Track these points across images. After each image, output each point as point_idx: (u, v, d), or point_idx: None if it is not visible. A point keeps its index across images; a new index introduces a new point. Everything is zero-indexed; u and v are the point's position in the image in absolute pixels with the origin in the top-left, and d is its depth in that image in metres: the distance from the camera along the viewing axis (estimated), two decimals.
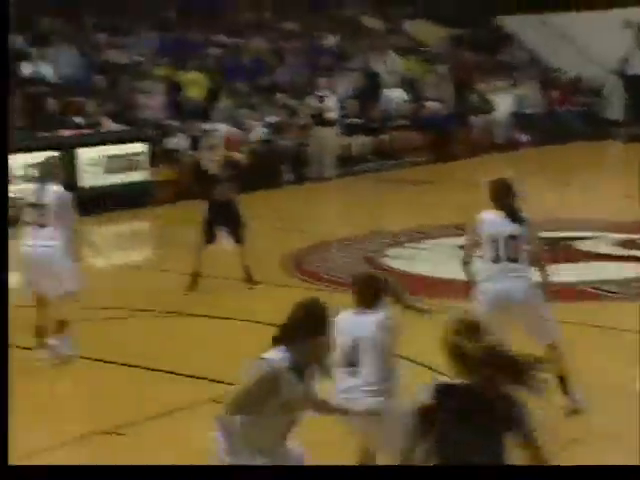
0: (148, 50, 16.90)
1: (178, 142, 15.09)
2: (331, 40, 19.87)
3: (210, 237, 9.16)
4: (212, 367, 6.63)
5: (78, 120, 14.29)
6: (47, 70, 14.97)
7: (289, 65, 18.33)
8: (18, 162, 12.77)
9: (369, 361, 4.23)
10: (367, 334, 4.25)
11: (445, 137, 18.17)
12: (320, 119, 16.03)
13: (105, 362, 7.02)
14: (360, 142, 17.43)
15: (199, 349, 7.21)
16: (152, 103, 15.43)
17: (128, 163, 14.11)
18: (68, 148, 13.34)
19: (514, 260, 5.82)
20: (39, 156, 12.86)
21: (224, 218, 9.12)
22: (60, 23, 15.99)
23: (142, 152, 14.26)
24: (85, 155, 13.60)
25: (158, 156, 14.77)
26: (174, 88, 16.20)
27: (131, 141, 14.22)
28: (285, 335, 3.72)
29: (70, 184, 13.49)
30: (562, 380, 5.72)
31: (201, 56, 17.15)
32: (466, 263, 5.91)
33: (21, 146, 13.08)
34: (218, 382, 6.16)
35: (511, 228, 5.78)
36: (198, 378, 6.53)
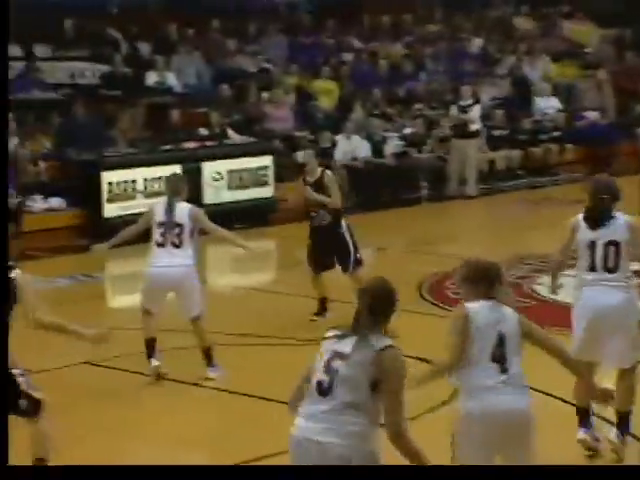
0: (277, 56, 17.24)
1: (306, 155, 15.27)
2: (476, 43, 19.74)
3: (317, 266, 9.02)
4: None
5: (202, 132, 14.71)
6: (172, 79, 15.49)
7: (429, 71, 18.31)
8: (140, 176, 13.28)
9: (515, 358, 4.55)
10: (512, 330, 4.57)
11: (605, 151, 17.70)
12: (462, 130, 15.91)
13: (230, 392, 7.19)
14: (507, 156, 17.19)
15: None
16: (280, 113, 15.71)
17: (253, 178, 14.41)
18: (191, 162, 13.78)
19: (612, 270, 5.72)
20: (161, 170, 13.46)
21: (327, 245, 8.95)
22: (186, 29, 16.51)
23: (268, 166, 14.52)
24: (209, 169, 13.96)
25: (285, 170, 15.02)
26: (304, 97, 16.45)
27: (257, 154, 14.49)
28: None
29: (194, 200, 13.99)
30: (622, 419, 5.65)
31: (333, 62, 17.35)
32: (554, 271, 5.96)
33: (143, 159, 13.59)
34: None
35: (608, 234, 5.71)
36: None
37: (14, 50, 14.81)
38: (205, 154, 14.04)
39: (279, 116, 15.66)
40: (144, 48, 16.04)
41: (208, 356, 7.51)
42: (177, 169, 13.46)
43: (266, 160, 14.49)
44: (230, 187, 14.16)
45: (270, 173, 14.51)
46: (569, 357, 4.80)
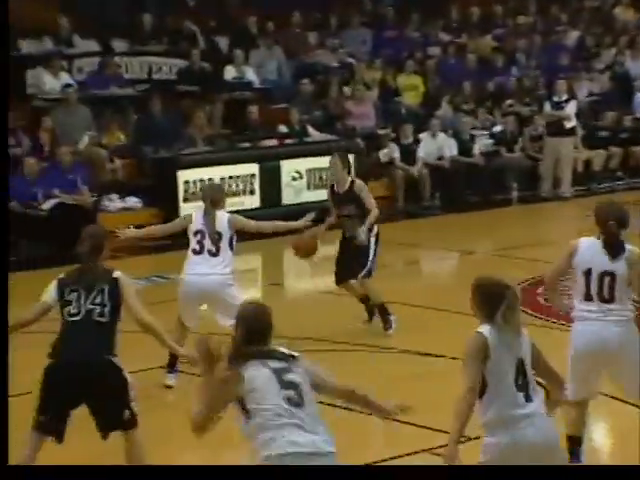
0: (360, 50, 17.35)
1: (389, 153, 15.37)
2: (572, 36, 19.57)
3: (338, 279, 8.98)
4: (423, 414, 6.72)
5: (282, 129, 14.89)
6: (251, 74, 15.72)
7: (520, 66, 18.22)
8: (217, 174, 13.51)
9: (534, 384, 4.56)
10: (527, 354, 4.56)
11: None
12: (556, 128, 15.81)
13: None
14: (605, 156, 17.01)
15: (401, 388, 7.31)
16: (362, 110, 15.81)
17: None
18: (270, 160, 13.98)
19: (609, 301, 5.62)
20: (239, 169, 13.68)
21: (350, 254, 8.85)
22: (266, 23, 16.70)
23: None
24: (288, 168, 14.13)
25: (367, 170, 15.12)
26: (387, 93, 16.52)
27: None
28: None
29: (273, 200, 14.21)
30: None
31: (419, 56, 17.37)
32: (550, 292, 5.91)
33: (221, 158, 13.84)
34: (431, 430, 6.27)
35: (608, 263, 5.59)
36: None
37: (92, 45, 15.23)
38: (284, 152, 14.24)
39: (361, 113, 15.76)
40: (222, 42, 16.30)
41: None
42: (255, 168, 13.75)
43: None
44: (310, 187, 14.31)
45: (352, 172, 14.59)
46: (562, 384, 4.76)
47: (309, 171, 14.32)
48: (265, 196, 13.82)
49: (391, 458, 6.24)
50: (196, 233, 7.65)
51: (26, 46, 14.70)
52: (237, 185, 13.47)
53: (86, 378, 5.40)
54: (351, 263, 8.90)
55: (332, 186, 9.12)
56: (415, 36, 18.14)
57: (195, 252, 7.62)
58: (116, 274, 5.58)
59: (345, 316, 9.34)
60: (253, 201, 13.73)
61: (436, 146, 15.55)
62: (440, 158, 15.53)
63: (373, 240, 8.88)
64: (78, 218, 12.16)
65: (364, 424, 6.32)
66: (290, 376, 4.39)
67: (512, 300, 4.50)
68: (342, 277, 9.03)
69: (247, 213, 13.56)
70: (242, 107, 14.86)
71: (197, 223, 7.69)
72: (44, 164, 12.85)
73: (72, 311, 5.47)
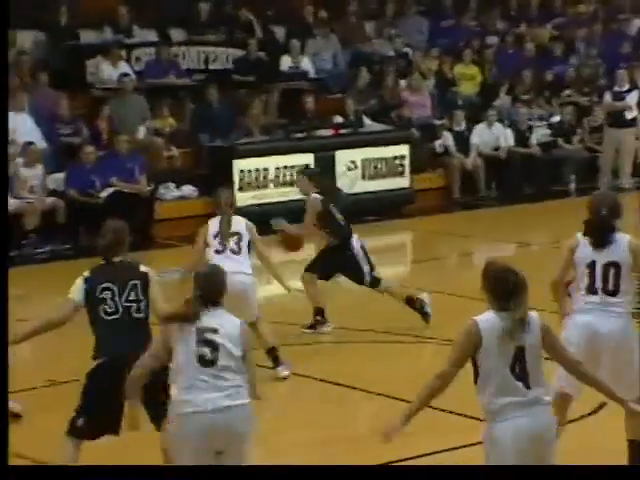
0: (416, 40, 17.41)
1: (443, 142, 15.44)
2: (635, 24, 19.41)
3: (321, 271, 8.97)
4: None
5: (337, 119, 15.05)
6: (306, 64, 15.89)
7: (580, 55, 18.15)
8: (272, 164, 13.72)
9: (538, 373, 4.54)
10: (533, 342, 4.52)
11: None
12: (617, 119, 15.77)
13: (360, 390, 7.44)
14: None
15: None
16: (419, 100, 15.90)
17: (389, 167, 14.66)
18: (325, 150, 14.15)
19: (613, 293, 5.59)
20: (294, 159, 13.87)
21: (337, 262, 8.91)
22: (322, 12, 16.84)
23: (405, 155, 14.75)
24: (343, 158, 14.30)
25: (423, 160, 15.24)
26: (444, 83, 16.59)
27: (393, 143, 14.76)
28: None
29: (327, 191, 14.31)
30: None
31: (476, 46, 17.38)
32: (556, 294, 5.77)
33: (276, 147, 14.04)
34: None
35: (609, 254, 5.56)
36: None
37: (149, 34, 15.51)
38: (339, 142, 14.43)
39: (417, 103, 15.85)
40: (279, 32, 16.48)
41: (275, 357, 7.78)
42: (310, 158, 13.93)
43: (403, 149, 14.75)
44: (364, 177, 14.46)
45: (406, 163, 14.76)
46: (587, 373, 4.74)
47: (364, 161, 14.46)
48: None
49: (443, 450, 6.32)
50: (215, 236, 7.81)
51: (86, 36, 15.02)
52: (292, 175, 13.67)
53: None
54: (339, 271, 9.02)
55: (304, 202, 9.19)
56: (472, 25, 18.15)
57: (218, 252, 7.75)
58: (144, 268, 5.64)
59: (394, 306, 9.40)
60: None
61: (492, 136, 15.60)
62: (496, 149, 15.58)
63: (360, 253, 8.88)
64: (135, 206, 12.49)
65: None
66: (212, 336, 4.83)
67: (517, 287, 4.46)
68: (325, 275, 9.00)
69: (301, 203, 13.87)
70: (298, 97, 15.04)
71: (214, 227, 7.86)
72: (102, 153, 13.15)
73: (108, 310, 5.49)
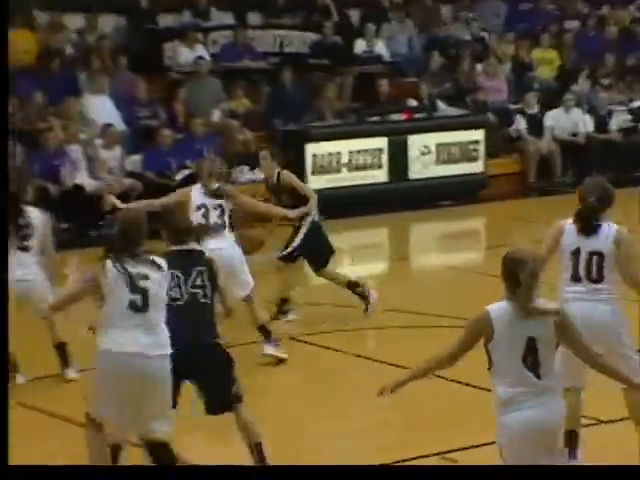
0: (493, 24, 17.44)
1: (517, 127, 15.48)
2: None
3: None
4: None
5: (411, 103, 15.21)
6: (381, 48, 16.08)
7: None
8: (345, 148, 13.95)
9: (550, 362, 4.60)
10: (545, 332, 4.56)
11: None
12: None
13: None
14: None
15: None
16: (494, 84, 15.96)
17: (463, 152, 14.78)
18: (398, 134, 14.33)
19: (597, 281, 5.56)
20: (367, 143, 14.07)
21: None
22: None
23: (479, 140, 14.86)
24: (416, 143, 14.47)
25: (498, 145, 15.31)
26: (521, 67, 16.61)
27: (468, 127, 14.86)
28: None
29: (400, 174, 14.55)
30: None
31: (554, 30, 17.34)
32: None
33: (350, 131, 14.27)
34: None
35: (593, 242, 5.54)
36: None
37: (227, 17, 15.84)
38: (413, 127, 14.57)
39: (493, 87, 15.91)
40: (354, 16, 16.67)
41: (265, 332, 7.86)
42: (383, 142, 14.13)
43: (477, 134, 14.83)
44: (438, 162, 14.59)
45: (481, 148, 14.84)
46: (604, 362, 4.78)
47: (438, 146, 14.57)
48: (392, 170, 14.20)
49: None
50: (198, 208, 7.88)
51: (165, 19, 15.41)
52: (365, 159, 13.88)
53: (198, 361, 5.58)
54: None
55: (266, 180, 9.22)
56: (551, 8, 18.10)
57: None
58: (208, 255, 5.79)
59: (466, 292, 9.56)
60: (380, 175, 14.13)
61: (570, 121, 15.58)
62: (575, 134, 15.56)
63: (306, 226, 8.83)
64: None
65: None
66: (143, 282, 5.23)
67: (529, 277, 4.48)
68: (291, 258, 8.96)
69: (374, 187, 14.19)
70: (372, 81, 15.19)
71: (197, 199, 7.93)
72: (179, 135, 13.52)
73: (174, 295, 5.58)
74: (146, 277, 5.27)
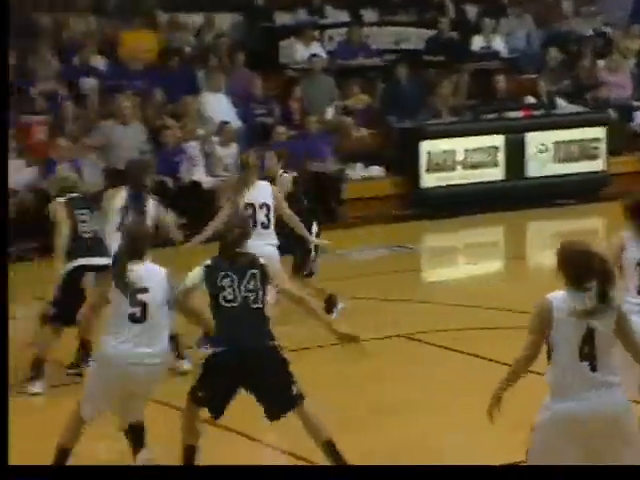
0: (617, 18, 17.16)
1: (638, 123, 15.20)
2: None
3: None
4: None
5: (529, 100, 15.11)
6: (499, 44, 16.01)
7: None
8: (460, 146, 13.96)
9: (608, 356, 4.63)
10: (605, 325, 4.58)
11: None
12: None
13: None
14: None
15: None
16: (617, 80, 15.71)
17: (583, 150, 14.62)
18: (515, 132, 14.27)
19: None
20: (484, 141, 14.04)
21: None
22: None
23: (600, 138, 14.67)
24: (534, 140, 14.38)
25: (621, 143, 15.06)
26: None
27: (588, 125, 14.70)
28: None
29: (516, 172, 14.45)
30: None
31: None
32: None
33: (465, 129, 14.27)
34: None
35: None
36: None
37: (342, 15, 16.02)
38: (531, 124, 14.49)
39: (616, 83, 15.65)
40: (471, 11, 16.64)
41: (330, 304, 8.21)
42: (499, 140, 14.09)
43: (598, 131, 14.65)
44: (556, 160, 14.47)
45: (602, 145, 14.64)
46: None
47: (556, 144, 14.45)
48: (509, 168, 14.15)
49: None
50: (246, 207, 7.97)
51: (281, 17, 15.68)
52: (480, 157, 13.86)
53: (253, 366, 5.60)
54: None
55: (271, 180, 8.93)
56: None
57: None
58: (261, 260, 5.79)
59: None
60: (496, 173, 14.10)
61: None
62: None
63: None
64: (323, 186, 13.03)
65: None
66: (142, 296, 5.63)
67: (591, 268, 4.54)
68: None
69: (489, 185, 14.16)
70: (488, 77, 15.15)
71: (247, 196, 8.02)
72: (293, 132, 13.74)
73: (228, 297, 5.63)
74: (145, 290, 5.68)
